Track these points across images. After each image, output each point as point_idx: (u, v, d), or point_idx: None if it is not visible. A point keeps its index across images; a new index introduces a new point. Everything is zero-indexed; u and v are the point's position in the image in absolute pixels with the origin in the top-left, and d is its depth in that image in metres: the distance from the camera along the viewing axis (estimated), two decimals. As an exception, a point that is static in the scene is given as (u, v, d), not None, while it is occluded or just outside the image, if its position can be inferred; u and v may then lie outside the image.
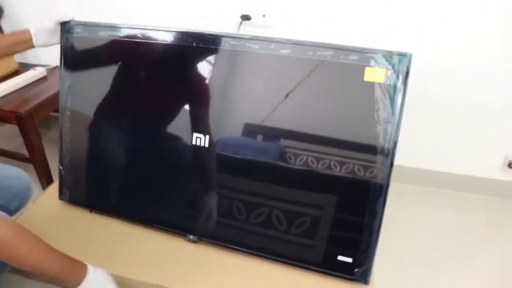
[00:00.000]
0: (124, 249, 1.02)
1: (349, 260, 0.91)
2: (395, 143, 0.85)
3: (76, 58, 1.07)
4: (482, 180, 1.61)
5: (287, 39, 0.89)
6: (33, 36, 0.98)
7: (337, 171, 0.90)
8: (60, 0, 1.62)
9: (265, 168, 0.96)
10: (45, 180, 1.56)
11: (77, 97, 1.09)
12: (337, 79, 0.88)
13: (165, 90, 1.05)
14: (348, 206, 0.92)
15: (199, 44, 0.96)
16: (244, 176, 0.99)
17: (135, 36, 1.02)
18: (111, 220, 1.10)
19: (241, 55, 0.94)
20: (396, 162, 0.86)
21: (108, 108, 1.09)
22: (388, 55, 0.82)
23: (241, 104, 0.98)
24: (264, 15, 1.44)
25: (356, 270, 0.91)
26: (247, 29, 1.48)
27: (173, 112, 1.03)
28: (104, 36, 1.04)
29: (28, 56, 1.86)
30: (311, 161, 0.92)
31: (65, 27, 1.04)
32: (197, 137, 0.98)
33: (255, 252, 0.98)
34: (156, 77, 1.05)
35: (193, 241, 1.03)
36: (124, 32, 1.02)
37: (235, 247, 1.00)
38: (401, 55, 0.82)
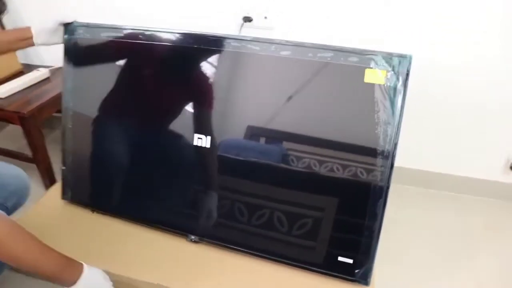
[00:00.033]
0: (125, 248, 1.03)
1: (350, 261, 0.91)
2: (395, 145, 0.85)
3: (78, 59, 1.08)
4: (483, 182, 1.61)
5: (287, 41, 0.90)
6: (34, 35, 0.99)
7: (337, 173, 0.91)
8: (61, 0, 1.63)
9: (266, 170, 0.97)
10: (48, 180, 1.57)
11: (80, 98, 1.10)
12: (337, 81, 0.89)
13: (167, 92, 1.05)
14: (348, 208, 0.92)
15: (200, 46, 0.97)
16: (244, 177, 0.99)
17: (137, 38, 1.02)
18: (113, 220, 1.11)
19: (241, 56, 0.95)
20: (397, 163, 0.86)
21: (110, 108, 1.10)
22: (388, 57, 0.82)
23: (241, 105, 0.98)
24: (265, 17, 1.45)
25: (356, 271, 0.91)
26: (249, 31, 1.48)
27: (175, 112, 1.03)
28: (107, 37, 1.05)
29: (31, 57, 1.87)
30: (311, 163, 0.92)
31: (68, 28, 1.05)
32: (198, 138, 0.99)
33: (255, 253, 0.99)
34: (158, 78, 1.06)
35: (195, 242, 1.04)
36: (127, 34, 1.03)
37: (236, 248, 1.00)
38: (401, 56, 0.82)
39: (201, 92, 1.01)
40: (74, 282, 0.82)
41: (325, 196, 0.94)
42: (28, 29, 0.99)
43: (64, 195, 1.16)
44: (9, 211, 1.09)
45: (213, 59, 0.97)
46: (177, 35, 0.99)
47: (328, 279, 0.94)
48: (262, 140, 0.97)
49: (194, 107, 1.00)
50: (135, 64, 1.06)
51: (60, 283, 0.82)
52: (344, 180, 0.90)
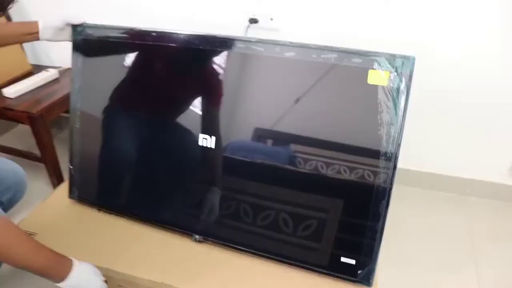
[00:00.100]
0: (130, 247, 1.04)
1: (352, 262, 0.91)
2: (399, 146, 0.85)
3: (86, 60, 1.10)
4: (488, 184, 1.60)
5: (291, 42, 0.90)
6: (40, 30, 1.01)
7: (339, 173, 0.91)
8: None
9: (270, 171, 0.97)
10: (56, 179, 1.59)
11: (87, 98, 1.12)
12: (340, 82, 0.89)
13: (173, 93, 1.06)
14: (351, 209, 0.92)
15: (205, 47, 0.98)
16: (248, 178, 1.00)
17: (144, 39, 1.04)
18: (118, 219, 1.12)
19: (246, 58, 0.96)
20: (400, 165, 0.86)
21: (118, 109, 1.11)
22: (391, 58, 0.82)
23: (245, 106, 0.99)
24: (271, 19, 1.45)
25: (359, 272, 0.91)
26: (255, 32, 1.49)
27: (181, 113, 1.04)
28: (114, 38, 1.06)
29: (41, 58, 1.90)
30: (314, 164, 0.92)
31: (76, 29, 1.07)
32: (203, 138, 1.00)
33: (258, 253, 0.99)
34: (164, 79, 1.07)
35: (199, 241, 1.04)
36: (134, 35, 1.04)
37: (240, 248, 1.01)
38: (404, 58, 0.82)
39: (206, 93, 1.02)
40: (64, 278, 0.82)
41: (327, 197, 0.94)
42: (35, 23, 1.01)
43: (71, 194, 1.17)
44: (5, 206, 1.11)
45: (218, 60, 0.98)
46: (183, 36, 1.00)
47: (331, 279, 0.94)
48: (266, 141, 0.98)
49: (199, 108, 1.01)
50: (142, 65, 1.07)
51: (50, 278, 0.82)
52: (346, 181, 0.90)
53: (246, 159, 0.98)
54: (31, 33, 1.01)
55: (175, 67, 1.06)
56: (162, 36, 1.02)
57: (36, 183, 1.67)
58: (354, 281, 0.92)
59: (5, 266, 1.17)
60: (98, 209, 1.15)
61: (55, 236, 1.06)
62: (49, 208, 1.17)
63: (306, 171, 0.93)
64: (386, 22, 1.37)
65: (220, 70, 0.98)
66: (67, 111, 1.23)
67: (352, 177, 0.90)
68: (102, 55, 1.11)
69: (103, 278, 0.91)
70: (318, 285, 0.94)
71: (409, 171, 1.63)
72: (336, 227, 0.93)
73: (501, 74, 1.37)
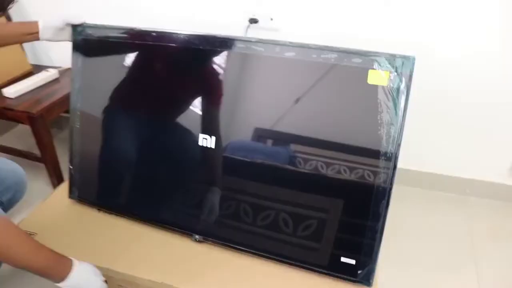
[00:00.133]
0: (130, 247, 1.04)
1: (352, 262, 0.91)
2: (399, 146, 0.85)
3: (86, 60, 1.10)
4: (488, 184, 1.60)
5: (291, 42, 0.90)
6: (40, 30, 1.01)
7: (340, 174, 0.91)
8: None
9: (270, 171, 0.97)
10: (56, 179, 1.59)
11: (87, 98, 1.12)
12: (340, 82, 0.89)
13: (173, 92, 1.06)
14: (351, 209, 0.92)
15: (205, 47, 0.98)
16: (248, 178, 1.00)
17: (144, 39, 1.04)
18: (118, 219, 1.12)
19: (246, 58, 0.96)
20: (401, 165, 0.86)
21: (117, 109, 1.11)
22: (391, 58, 0.82)
23: (244, 106, 0.99)
24: (271, 18, 1.45)
25: (359, 272, 0.91)
26: (255, 32, 1.49)
27: (181, 113, 1.04)
28: (114, 38, 1.06)
29: (41, 58, 1.90)
30: (314, 164, 0.93)
31: (76, 29, 1.07)
32: (203, 138, 1.00)
33: (258, 253, 0.99)
34: (164, 79, 1.07)
35: (199, 241, 1.04)
36: (134, 35, 1.05)
37: (241, 248, 1.01)
38: (404, 58, 0.82)
39: (206, 93, 1.02)
40: (64, 278, 0.82)
41: (327, 197, 0.94)
42: (35, 23, 1.01)
43: (71, 194, 1.17)
44: (5, 206, 1.11)
45: (218, 60, 0.98)
46: (183, 36, 1.00)
47: (331, 279, 0.94)
48: (265, 141, 0.98)
49: (199, 108, 1.01)
50: (142, 65, 1.07)
51: (50, 278, 0.82)
52: (346, 181, 0.90)
53: (246, 159, 0.98)
54: (31, 33, 1.01)
55: (175, 67, 1.06)
56: (162, 36, 1.02)
57: (36, 183, 1.67)
58: (354, 281, 0.92)
59: (5, 266, 1.17)
60: (98, 209, 1.15)
61: (55, 236, 1.06)
62: (49, 208, 1.17)
63: (305, 171, 0.93)
64: (386, 22, 1.37)
65: (220, 70, 0.98)
66: (67, 111, 1.23)
67: (352, 177, 0.90)
68: (102, 55, 1.11)
69: (103, 278, 0.91)
70: (318, 285, 0.94)
71: (409, 171, 1.63)
72: (336, 227, 0.93)
73: (501, 74, 1.37)
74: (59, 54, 1.83)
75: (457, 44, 1.35)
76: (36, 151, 1.57)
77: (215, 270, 0.98)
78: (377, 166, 0.87)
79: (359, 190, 0.90)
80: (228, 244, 1.02)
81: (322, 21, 1.43)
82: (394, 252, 1.25)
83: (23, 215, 1.13)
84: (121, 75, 1.08)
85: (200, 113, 1.01)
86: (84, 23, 1.06)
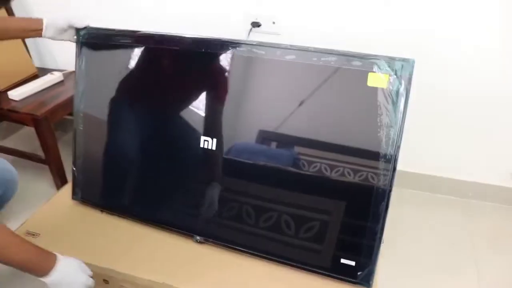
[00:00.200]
0: (132, 248, 1.04)
1: (352, 263, 0.92)
2: (398, 148, 0.85)
3: (89, 63, 1.11)
4: (489, 187, 1.60)
5: (292, 45, 0.91)
6: (44, 27, 1.03)
7: (338, 175, 0.91)
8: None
9: (272, 173, 0.98)
10: (60, 180, 1.60)
11: (91, 100, 1.13)
12: (340, 85, 0.90)
13: (176, 95, 1.07)
14: (351, 211, 0.92)
15: (208, 50, 0.99)
16: (250, 180, 1.00)
17: (147, 42, 1.05)
18: (121, 220, 1.13)
19: (247, 61, 0.97)
20: (401, 167, 0.86)
21: (120, 111, 1.12)
22: (390, 61, 0.83)
23: (246, 109, 1.00)
24: (273, 22, 1.46)
25: (359, 273, 0.91)
26: (257, 36, 1.50)
27: (182, 115, 1.05)
28: (118, 41, 1.08)
29: (46, 61, 1.92)
30: (314, 166, 0.93)
31: (80, 32, 1.08)
32: (205, 140, 1.01)
33: (258, 254, 1.00)
34: (166, 82, 1.08)
35: (200, 242, 1.05)
36: (137, 38, 1.06)
37: (241, 249, 1.01)
38: (404, 61, 0.83)
39: (208, 96, 1.03)
40: (47, 272, 0.82)
41: (328, 199, 0.94)
42: (40, 20, 1.03)
43: (74, 195, 1.18)
44: None
45: (219, 63, 0.99)
46: (186, 39, 1.01)
47: (331, 281, 0.94)
48: (267, 143, 0.99)
49: (202, 110, 1.02)
50: (144, 69, 1.08)
51: (33, 272, 0.82)
52: (346, 183, 0.91)
53: (249, 161, 0.99)
54: (34, 30, 1.03)
55: (177, 70, 1.07)
56: (164, 39, 1.03)
57: (40, 184, 1.68)
58: (354, 283, 0.92)
59: (5, 266, 1.18)
60: (101, 210, 1.16)
61: (58, 237, 1.07)
62: (52, 209, 1.18)
63: (307, 173, 0.94)
64: (386, 22, 1.37)
65: (221, 73, 0.99)
66: (71, 114, 1.24)
67: (352, 179, 0.90)
68: (106, 58, 1.13)
69: (90, 273, 0.90)
70: (318, 286, 0.94)
71: (409, 173, 1.63)
72: (336, 229, 0.93)
73: (504, 77, 1.37)
74: (64, 57, 1.85)
75: (457, 44, 1.35)
76: (40, 153, 1.58)
77: (216, 271, 0.98)
78: (376, 168, 0.87)
79: (359, 192, 0.90)
80: (230, 245, 1.02)
81: (323, 24, 1.43)
82: (394, 253, 1.25)
83: (26, 216, 1.14)
84: (124, 78, 1.09)
85: (203, 115, 1.02)
86: (88, 26, 1.08)
